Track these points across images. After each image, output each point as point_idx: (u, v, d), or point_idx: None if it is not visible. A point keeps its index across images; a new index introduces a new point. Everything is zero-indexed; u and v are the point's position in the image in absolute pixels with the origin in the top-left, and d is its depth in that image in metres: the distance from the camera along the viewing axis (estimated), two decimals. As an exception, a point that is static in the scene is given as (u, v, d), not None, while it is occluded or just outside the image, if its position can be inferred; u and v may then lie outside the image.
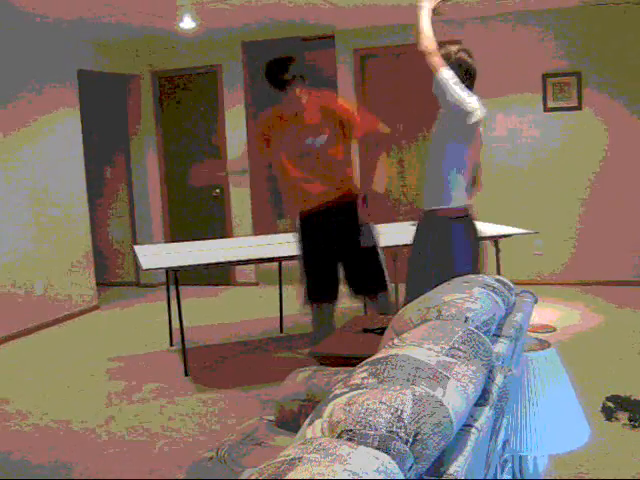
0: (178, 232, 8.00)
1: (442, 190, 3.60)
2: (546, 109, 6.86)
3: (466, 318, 1.83)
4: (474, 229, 3.71)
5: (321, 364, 3.47)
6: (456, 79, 3.46)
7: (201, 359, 5.23)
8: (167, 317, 5.63)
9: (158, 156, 8.03)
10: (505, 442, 1.96)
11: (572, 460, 3.15)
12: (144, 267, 4.70)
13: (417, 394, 1.28)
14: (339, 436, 1.19)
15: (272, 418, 2.62)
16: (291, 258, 4.91)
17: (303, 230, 4.50)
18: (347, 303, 6.72)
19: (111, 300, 7.42)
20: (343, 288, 4.61)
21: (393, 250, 5.23)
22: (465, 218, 3.64)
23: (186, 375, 4.82)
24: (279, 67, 4.21)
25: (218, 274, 7.89)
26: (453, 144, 3.57)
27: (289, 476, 1.02)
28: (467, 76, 3.55)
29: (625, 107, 6.66)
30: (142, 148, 7.98)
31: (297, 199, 4.49)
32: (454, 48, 3.60)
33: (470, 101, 3.49)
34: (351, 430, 1.19)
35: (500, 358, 1.80)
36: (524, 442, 2.05)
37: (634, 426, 3.55)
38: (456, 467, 1.30)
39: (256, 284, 7.86)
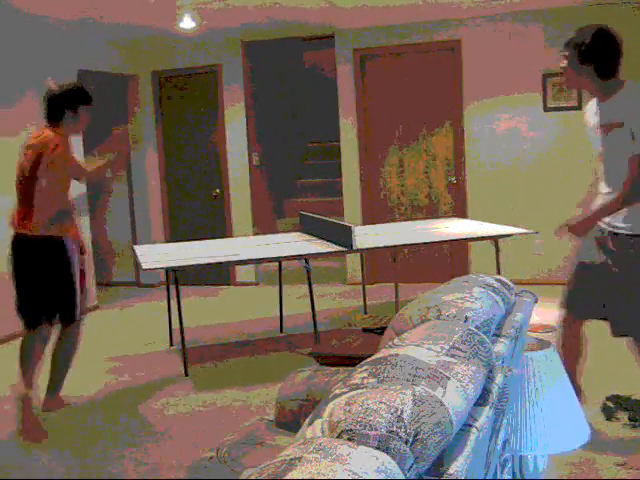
0: (178, 232, 8.00)
1: None
2: (546, 109, 6.86)
3: (466, 318, 1.83)
4: None
5: (321, 364, 3.48)
6: None
7: (201, 359, 5.23)
8: (167, 317, 5.63)
9: (158, 156, 8.03)
10: (505, 442, 1.96)
11: (572, 460, 3.15)
12: (144, 267, 4.70)
13: (417, 394, 1.28)
14: (339, 436, 1.19)
15: (272, 418, 2.62)
16: (291, 258, 4.89)
17: None
18: (345, 302, 6.74)
19: (111, 300, 7.42)
20: None
21: (392, 250, 5.23)
22: None
23: (186, 375, 4.82)
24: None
25: (218, 274, 7.89)
26: None
27: (289, 476, 1.02)
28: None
29: (625, 107, 6.65)
30: (142, 148, 7.97)
31: None
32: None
33: None
34: (351, 430, 1.19)
35: (500, 358, 1.80)
36: (524, 442, 2.05)
37: (634, 426, 3.55)
38: (456, 467, 1.30)
39: (256, 284, 7.86)
